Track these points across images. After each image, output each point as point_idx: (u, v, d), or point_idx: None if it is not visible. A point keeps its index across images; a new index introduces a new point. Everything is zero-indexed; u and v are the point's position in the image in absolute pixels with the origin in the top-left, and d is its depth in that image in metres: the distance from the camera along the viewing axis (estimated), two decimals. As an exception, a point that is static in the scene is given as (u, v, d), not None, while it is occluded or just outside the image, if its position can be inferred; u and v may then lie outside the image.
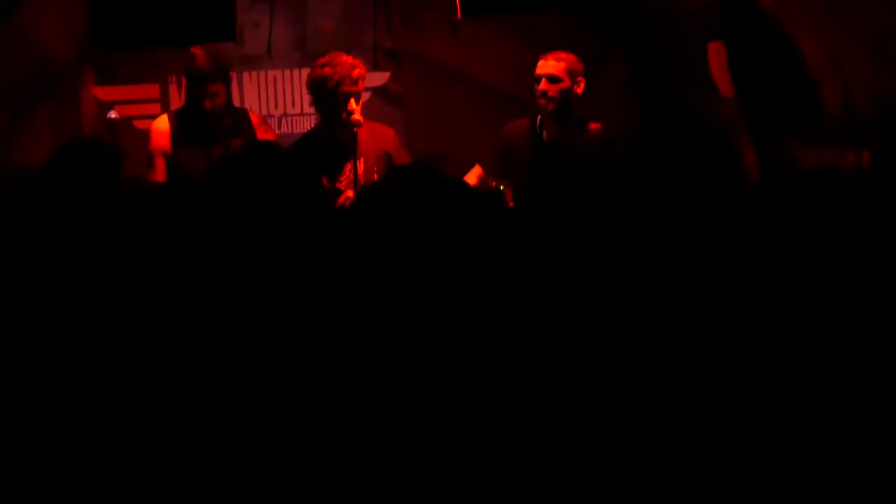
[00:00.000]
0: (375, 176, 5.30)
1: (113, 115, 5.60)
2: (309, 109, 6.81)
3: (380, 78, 5.77)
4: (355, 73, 5.27)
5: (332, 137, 5.38)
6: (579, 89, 5.62)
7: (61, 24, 7.00)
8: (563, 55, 5.63)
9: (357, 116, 5.33)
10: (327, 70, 5.29)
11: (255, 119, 5.69)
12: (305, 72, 5.74)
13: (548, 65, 5.61)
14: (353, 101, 5.29)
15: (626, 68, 7.21)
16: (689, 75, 6.12)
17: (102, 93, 7.27)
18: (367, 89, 5.42)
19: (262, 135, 5.53)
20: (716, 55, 5.76)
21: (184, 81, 5.56)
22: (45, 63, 6.86)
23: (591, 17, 7.03)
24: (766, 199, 3.25)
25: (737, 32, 5.51)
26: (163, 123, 5.59)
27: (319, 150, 5.35)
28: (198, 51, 5.39)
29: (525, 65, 5.82)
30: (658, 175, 2.98)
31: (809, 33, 4.78)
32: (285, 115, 7.23)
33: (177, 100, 7.09)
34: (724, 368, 2.49)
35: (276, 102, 7.24)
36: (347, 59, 5.33)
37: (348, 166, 5.38)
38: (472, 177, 5.71)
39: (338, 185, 5.36)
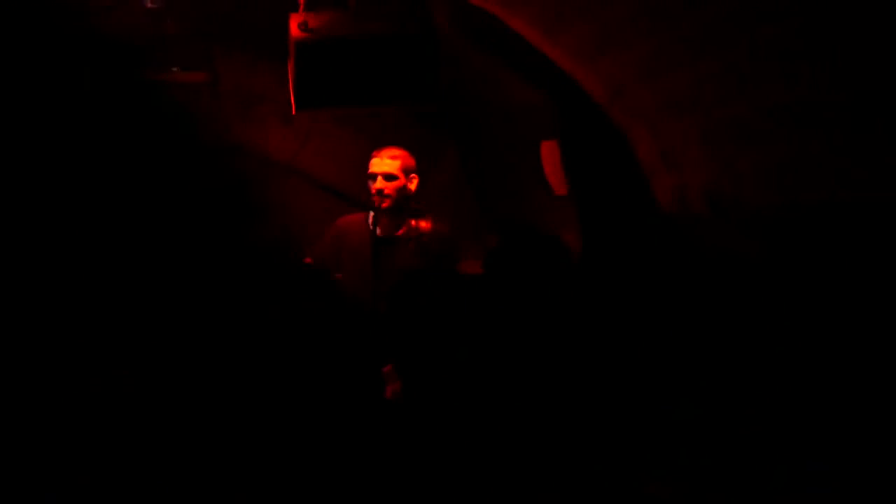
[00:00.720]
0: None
1: None
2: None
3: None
4: None
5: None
6: (413, 186, 5.64)
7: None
8: (398, 152, 5.65)
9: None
10: None
11: None
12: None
13: (383, 163, 5.63)
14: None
15: (460, 164, 7.22)
16: (522, 172, 6.14)
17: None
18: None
19: None
20: (549, 153, 5.80)
21: None
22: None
23: (425, 111, 7.04)
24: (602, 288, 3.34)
25: (569, 130, 5.57)
26: None
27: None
28: None
29: (358, 159, 5.79)
30: (506, 281, 3.07)
31: (642, 130, 4.84)
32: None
33: None
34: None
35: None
36: None
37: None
38: None
39: None
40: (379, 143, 5.76)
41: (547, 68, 5.22)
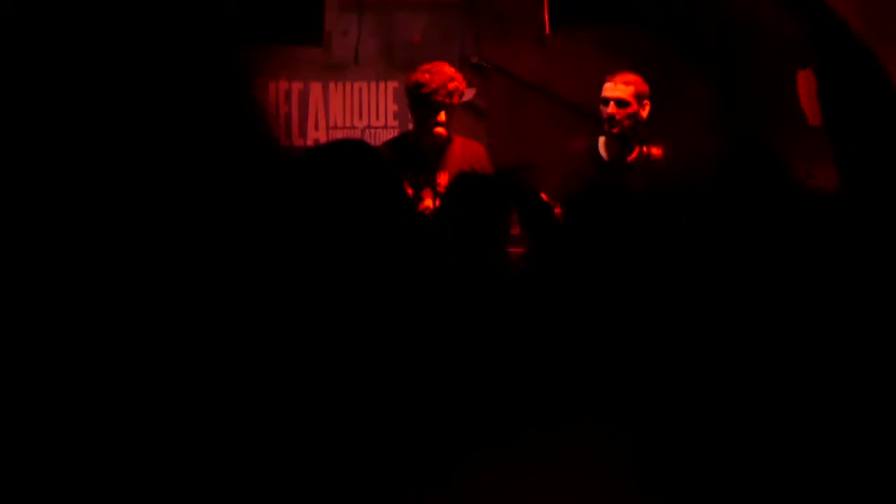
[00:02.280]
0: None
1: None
2: (393, 122, 6.83)
3: (468, 93, 5.80)
4: (451, 85, 5.34)
5: (419, 145, 5.43)
6: (645, 112, 5.62)
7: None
8: (631, 77, 5.62)
9: (440, 129, 5.38)
10: (426, 76, 5.36)
11: None
12: (392, 84, 5.79)
13: (616, 88, 5.60)
14: (443, 112, 5.33)
15: (709, 91, 7.18)
16: (773, 103, 6.09)
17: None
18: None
19: None
20: (805, 83, 5.74)
21: None
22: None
23: (676, 37, 7.02)
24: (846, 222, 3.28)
25: (828, 61, 5.50)
26: None
27: (406, 155, 5.40)
28: None
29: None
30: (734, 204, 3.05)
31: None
32: (369, 126, 7.15)
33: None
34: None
35: (361, 114, 7.16)
36: (449, 70, 5.39)
37: (432, 177, 5.42)
38: None
39: (420, 192, 5.40)
40: (630, 67, 5.77)
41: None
